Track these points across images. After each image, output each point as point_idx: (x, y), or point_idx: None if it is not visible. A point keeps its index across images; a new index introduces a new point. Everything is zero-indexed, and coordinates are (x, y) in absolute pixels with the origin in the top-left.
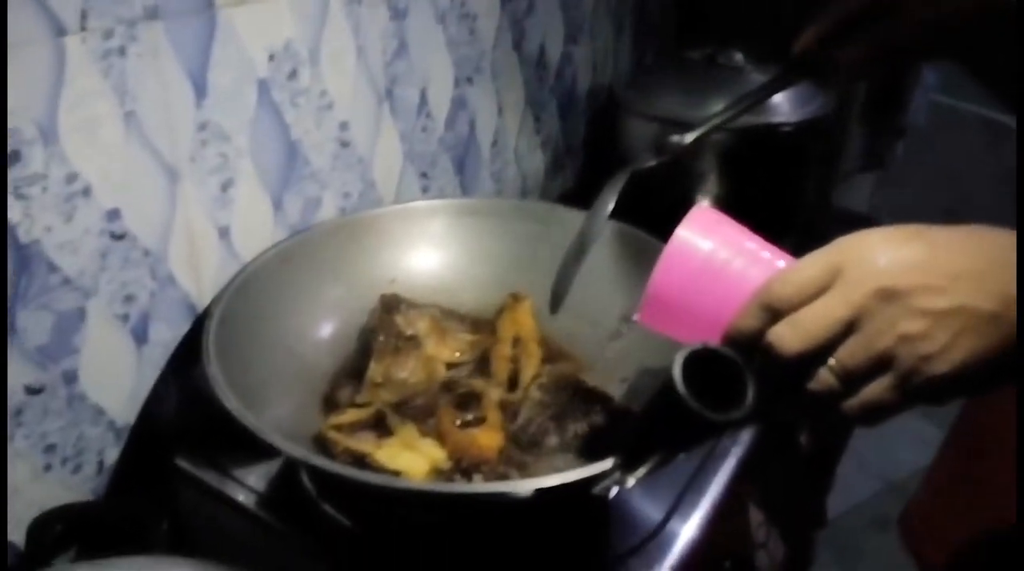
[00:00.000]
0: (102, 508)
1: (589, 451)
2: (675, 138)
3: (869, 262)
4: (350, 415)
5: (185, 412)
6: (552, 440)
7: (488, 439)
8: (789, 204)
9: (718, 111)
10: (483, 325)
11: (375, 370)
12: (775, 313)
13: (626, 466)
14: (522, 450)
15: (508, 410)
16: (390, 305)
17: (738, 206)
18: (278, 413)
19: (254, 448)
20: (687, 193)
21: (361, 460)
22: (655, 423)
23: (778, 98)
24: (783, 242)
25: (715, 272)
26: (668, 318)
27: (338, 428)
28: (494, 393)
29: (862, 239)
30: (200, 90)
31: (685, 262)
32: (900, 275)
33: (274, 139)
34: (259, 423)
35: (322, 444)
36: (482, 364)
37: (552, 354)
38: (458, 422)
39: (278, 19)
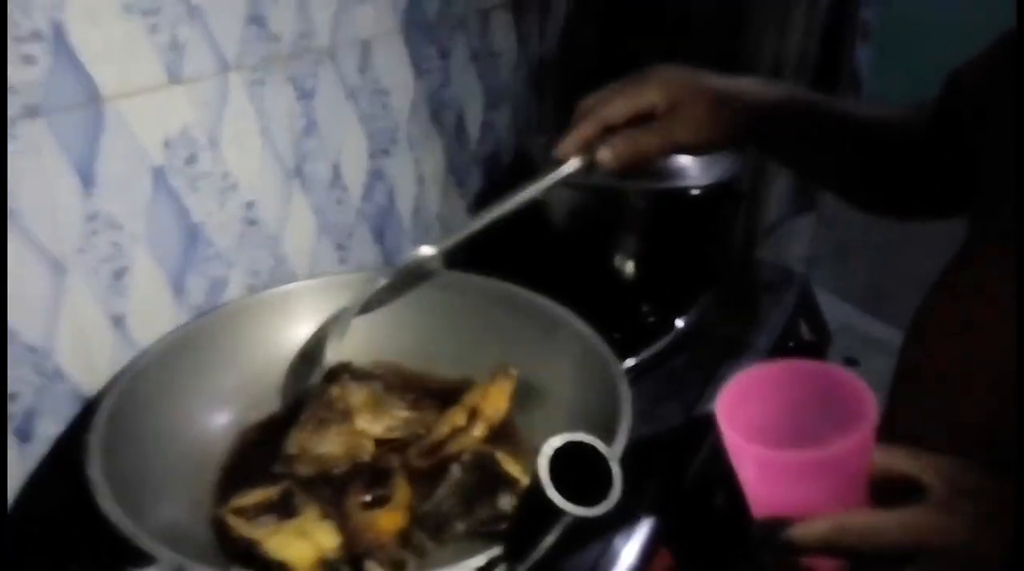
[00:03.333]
0: None
1: (492, 538)
2: (423, 252)
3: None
4: (255, 496)
5: (76, 512)
6: (459, 526)
7: (388, 521)
8: (706, 263)
9: (480, 219)
10: (434, 399)
11: (292, 441)
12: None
13: (513, 555)
14: (427, 534)
15: (421, 485)
16: (334, 374)
17: (655, 266)
18: (173, 510)
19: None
20: (607, 255)
21: (251, 549)
22: (527, 513)
23: (686, 162)
24: (703, 298)
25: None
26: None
27: (240, 511)
28: (413, 458)
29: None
30: (88, 182)
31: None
32: None
33: (172, 223)
34: (135, 527)
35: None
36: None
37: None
38: (368, 498)
39: (173, 107)
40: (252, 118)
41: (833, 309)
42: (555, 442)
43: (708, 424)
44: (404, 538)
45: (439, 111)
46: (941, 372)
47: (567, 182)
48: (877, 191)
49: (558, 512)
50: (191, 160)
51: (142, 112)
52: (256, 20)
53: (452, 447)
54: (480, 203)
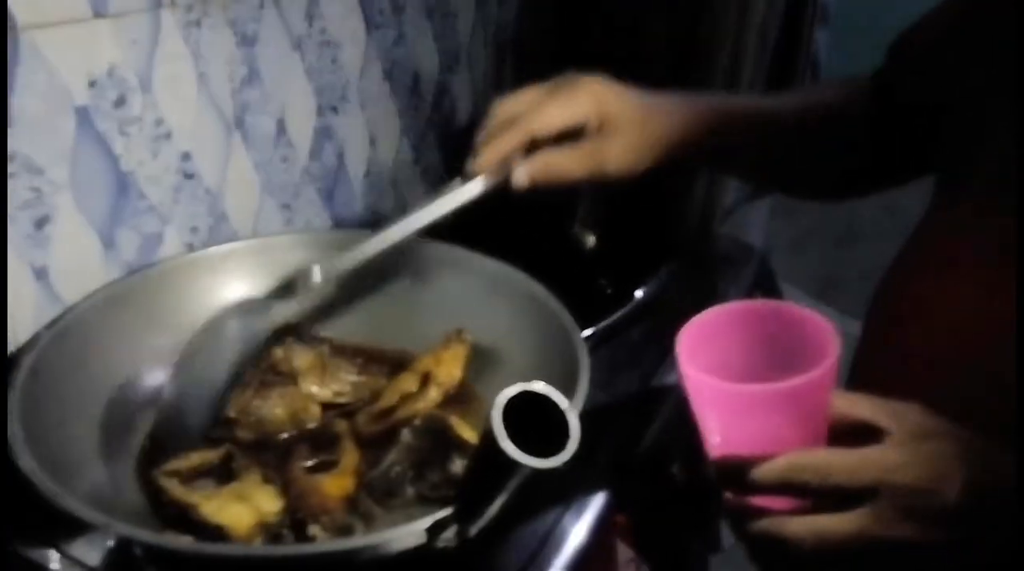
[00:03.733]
0: None
1: (443, 503)
2: (323, 266)
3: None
4: (192, 459)
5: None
6: (409, 490)
7: (334, 486)
8: (666, 234)
9: (381, 238)
10: (384, 364)
11: (232, 404)
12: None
13: (464, 516)
14: (375, 500)
15: (371, 451)
16: (277, 336)
17: (615, 236)
18: (100, 474)
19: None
20: (565, 224)
21: (186, 513)
22: (481, 470)
23: None
24: (662, 270)
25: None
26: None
27: (175, 474)
28: (362, 424)
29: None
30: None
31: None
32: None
33: (100, 171)
34: (58, 488)
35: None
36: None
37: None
38: (309, 463)
39: (97, 43)
40: (187, 61)
41: (787, 297)
42: (509, 392)
43: (666, 394)
44: (351, 503)
45: (392, 70)
46: (907, 347)
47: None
48: (821, 178)
49: (513, 465)
50: (120, 103)
51: (63, 46)
52: None
53: (402, 413)
54: (432, 168)
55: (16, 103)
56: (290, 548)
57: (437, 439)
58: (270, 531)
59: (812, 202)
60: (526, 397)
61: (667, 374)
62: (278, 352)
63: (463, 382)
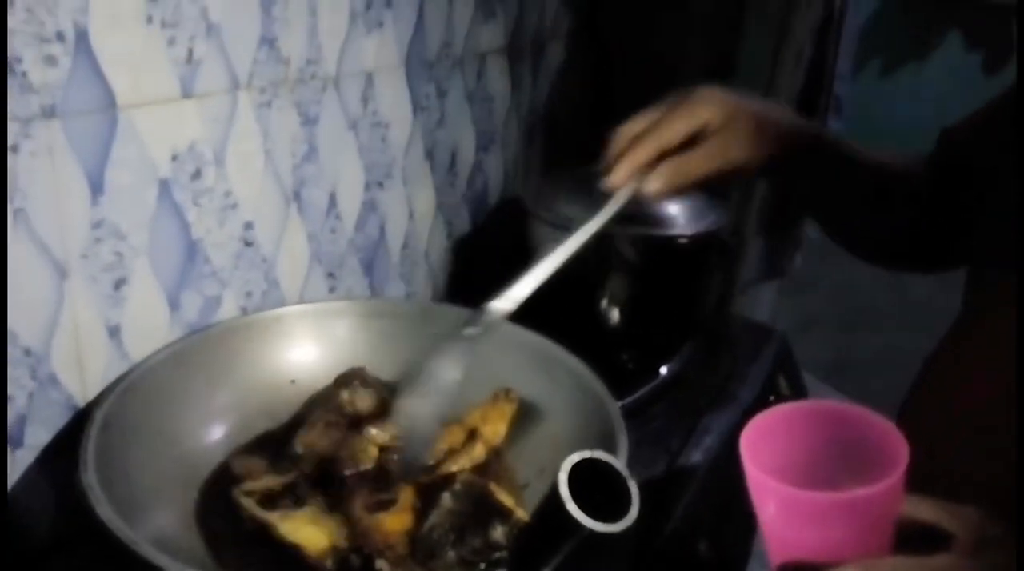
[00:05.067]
0: None
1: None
2: (494, 307)
3: None
4: (264, 481)
5: (62, 524)
6: (450, 554)
7: (395, 522)
8: (689, 312)
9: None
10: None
11: (298, 440)
12: None
13: None
14: (417, 561)
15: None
16: (344, 379)
17: (640, 313)
18: (163, 522)
19: (135, 564)
20: (592, 298)
21: (264, 530)
22: (542, 530)
23: (674, 210)
24: (685, 347)
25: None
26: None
27: (251, 494)
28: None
29: None
30: (97, 188)
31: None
32: None
33: (173, 238)
34: (134, 534)
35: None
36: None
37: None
38: (373, 501)
39: (183, 121)
40: (257, 139)
41: None
42: (573, 458)
43: (691, 472)
44: (411, 539)
45: (433, 149)
46: (939, 432)
47: (554, 222)
48: (878, 236)
49: (576, 528)
50: (196, 175)
51: (154, 123)
52: (268, 42)
53: (447, 467)
54: (464, 243)
55: (109, 175)
56: None
57: (477, 504)
58: (339, 555)
59: (859, 258)
60: (582, 465)
61: (692, 452)
62: (344, 394)
63: (505, 441)
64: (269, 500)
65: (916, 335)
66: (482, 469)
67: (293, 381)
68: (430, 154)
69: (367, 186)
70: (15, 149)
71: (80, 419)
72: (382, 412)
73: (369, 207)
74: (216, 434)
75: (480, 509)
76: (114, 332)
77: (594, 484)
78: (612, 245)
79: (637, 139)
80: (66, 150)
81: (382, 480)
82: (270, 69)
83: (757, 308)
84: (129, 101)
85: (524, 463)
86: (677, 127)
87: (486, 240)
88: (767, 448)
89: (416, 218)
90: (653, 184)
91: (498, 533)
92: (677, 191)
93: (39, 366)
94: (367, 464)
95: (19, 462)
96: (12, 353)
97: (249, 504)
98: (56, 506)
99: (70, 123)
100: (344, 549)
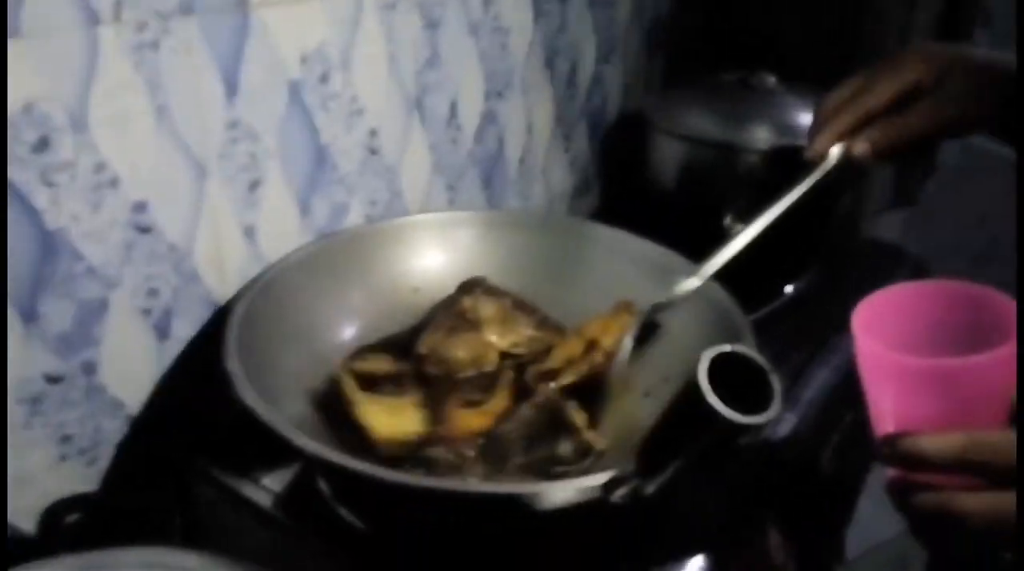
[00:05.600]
0: (115, 499)
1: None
2: (685, 282)
3: None
4: (377, 363)
5: (204, 411)
6: (516, 459)
7: (471, 419)
8: (818, 230)
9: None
10: (553, 326)
11: (424, 341)
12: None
13: (645, 472)
14: (483, 458)
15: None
16: (467, 286)
17: (765, 231)
18: (296, 414)
19: (271, 449)
20: (715, 212)
21: (345, 406)
22: (675, 426)
23: (807, 121)
24: (810, 269)
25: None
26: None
27: (355, 373)
28: (530, 379)
29: None
30: (231, 88)
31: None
32: None
33: (303, 142)
34: (278, 417)
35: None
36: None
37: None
38: (471, 398)
39: (311, 21)
40: (381, 42)
41: None
42: (712, 351)
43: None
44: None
45: (554, 58)
46: None
47: (680, 134)
48: None
49: (716, 420)
50: (324, 78)
51: (284, 23)
52: None
53: (566, 375)
54: (581, 158)
55: (243, 74)
56: (467, 486)
57: (551, 418)
58: (403, 447)
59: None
60: (721, 360)
61: (816, 371)
62: (467, 301)
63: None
64: (372, 384)
65: None
66: (600, 376)
67: (416, 289)
68: (550, 63)
69: (487, 96)
70: (156, 46)
71: (221, 314)
72: (503, 319)
73: (489, 118)
74: (346, 334)
75: (552, 423)
76: (250, 233)
77: (731, 381)
78: (740, 155)
79: (842, 106)
80: (203, 47)
81: (489, 384)
82: None
83: (884, 236)
84: None
85: (646, 372)
86: (883, 90)
87: (603, 155)
88: (880, 327)
89: (534, 132)
90: (860, 147)
91: (564, 448)
92: (889, 154)
93: (182, 262)
94: (487, 368)
95: (167, 353)
96: (157, 248)
97: (347, 380)
98: (199, 397)
99: (206, 20)
100: (406, 444)
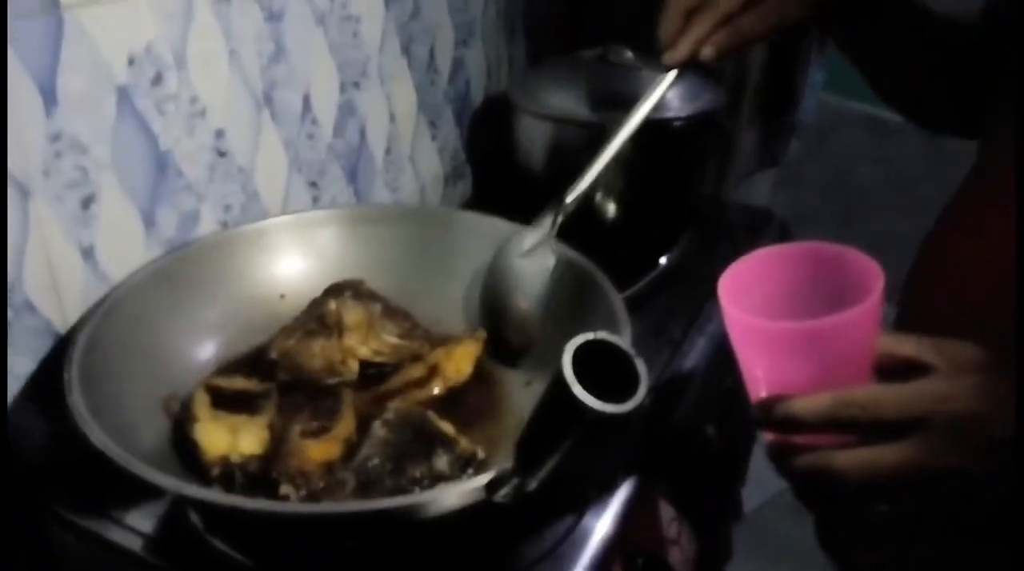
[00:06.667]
0: None
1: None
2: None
3: None
4: (237, 382)
5: (56, 451)
6: (387, 482)
7: (318, 451)
8: (686, 199)
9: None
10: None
11: (276, 345)
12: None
13: (525, 469)
14: (352, 491)
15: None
16: (335, 289)
17: (634, 201)
18: (157, 445)
19: (134, 487)
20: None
21: (185, 424)
22: (547, 420)
23: (668, 94)
24: (682, 238)
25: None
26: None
27: (214, 389)
28: (360, 402)
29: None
30: (49, 97)
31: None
32: None
33: (140, 150)
34: (127, 455)
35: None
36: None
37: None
38: (311, 426)
39: (136, 20)
40: (219, 38)
41: None
42: (576, 341)
43: (696, 360)
44: (330, 470)
45: (410, 44)
46: (937, 307)
47: (547, 117)
48: (935, 95)
49: (584, 412)
50: (157, 80)
51: (104, 23)
52: None
53: (402, 399)
54: (450, 145)
55: (61, 82)
56: (342, 506)
57: (416, 433)
58: (226, 468)
59: (913, 121)
60: (587, 348)
61: (696, 338)
62: (332, 304)
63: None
64: (231, 402)
65: (913, 221)
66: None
67: (282, 296)
68: (407, 50)
69: (343, 87)
70: None
71: (63, 345)
72: (368, 325)
73: (347, 110)
74: (205, 352)
75: (420, 438)
76: (88, 253)
77: (601, 369)
78: (603, 132)
79: (697, 8)
80: (12, 58)
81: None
82: None
83: (754, 199)
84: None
85: (525, 362)
86: None
87: (472, 141)
88: (747, 293)
89: (397, 120)
90: (707, 52)
91: (443, 462)
92: (730, 54)
93: (12, 293)
94: (346, 376)
95: (7, 391)
96: None
97: (200, 396)
98: (48, 432)
99: (13, 27)
100: (235, 463)
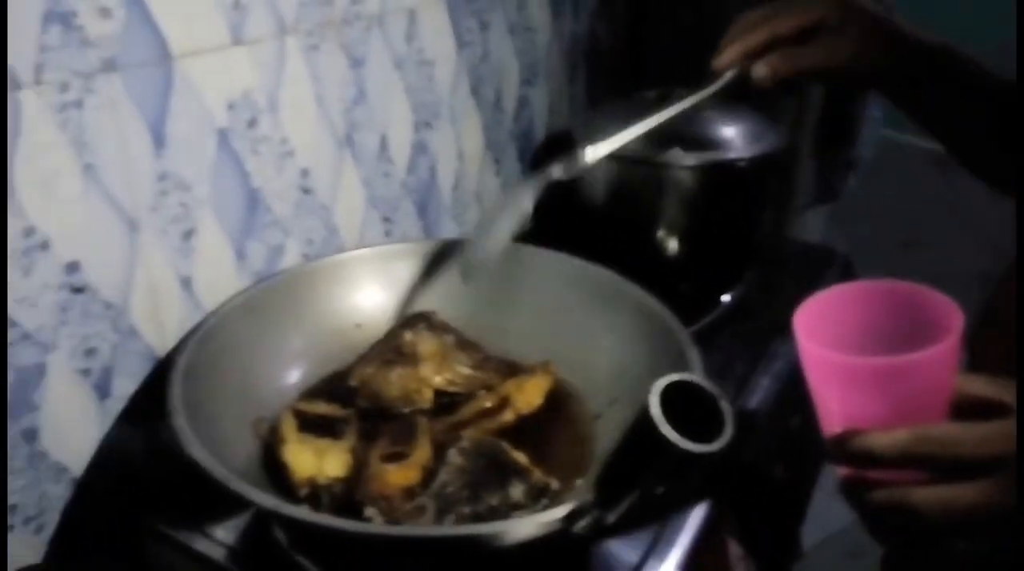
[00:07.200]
0: (65, 570)
1: None
2: (588, 150)
3: None
4: (322, 407)
5: (151, 468)
6: (465, 510)
7: (398, 475)
8: (747, 237)
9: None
10: (500, 368)
11: (356, 373)
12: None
13: (605, 502)
14: (435, 515)
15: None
16: (410, 320)
17: (697, 240)
18: (245, 464)
19: (223, 501)
20: (647, 229)
21: (275, 445)
22: (630, 456)
23: (731, 134)
24: (746, 274)
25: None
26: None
27: (299, 414)
28: (436, 430)
29: None
30: (159, 140)
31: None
32: None
33: (235, 188)
34: (228, 472)
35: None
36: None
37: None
38: (391, 451)
39: (236, 68)
40: (307, 84)
41: None
42: (663, 381)
43: (763, 399)
44: (409, 494)
45: (478, 85)
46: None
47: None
48: (996, 155)
49: (670, 450)
50: (252, 124)
51: (208, 72)
52: None
53: (473, 429)
54: (513, 180)
55: (170, 126)
56: (429, 530)
57: (491, 462)
58: (314, 489)
59: (988, 183)
60: (672, 388)
61: (760, 378)
62: (407, 335)
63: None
64: (316, 427)
65: (972, 255)
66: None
67: (359, 325)
68: (475, 91)
69: (416, 127)
70: (80, 104)
71: (161, 368)
72: (443, 356)
73: (419, 149)
74: (292, 377)
75: (495, 467)
76: (186, 283)
77: (680, 408)
78: (667, 172)
79: (752, 26)
80: (128, 103)
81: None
82: (316, 11)
83: (811, 232)
84: (183, 50)
85: (594, 396)
86: (791, 18)
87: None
88: (822, 329)
89: (465, 158)
90: (760, 69)
91: (518, 492)
92: (782, 82)
93: (119, 319)
94: (421, 404)
95: (108, 411)
96: (93, 308)
97: (288, 419)
98: (145, 454)
99: (129, 75)
100: (321, 486)
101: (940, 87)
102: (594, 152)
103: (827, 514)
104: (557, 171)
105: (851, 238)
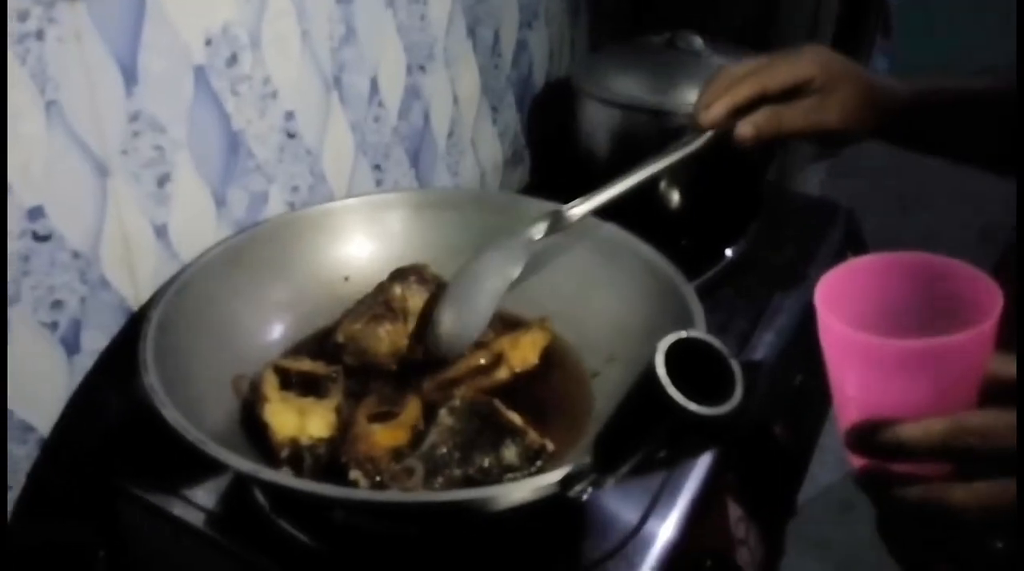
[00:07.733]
0: (30, 535)
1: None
2: (570, 210)
3: None
4: (304, 364)
5: (124, 426)
6: (456, 472)
7: (386, 436)
8: (751, 191)
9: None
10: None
11: (343, 329)
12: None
13: (603, 466)
14: (425, 477)
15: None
16: (400, 273)
17: (700, 192)
18: (224, 423)
19: (200, 463)
20: (652, 189)
21: (255, 404)
22: (633, 418)
23: None
24: (749, 228)
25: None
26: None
27: (281, 371)
28: (426, 389)
29: None
30: (130, 77)
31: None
32: None
33: (214, 130)
34: (201, 435)
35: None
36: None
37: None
38: (374, 411)
39: (213, 0)
40: (292, 18)
41: None
42: (669, 339)
43: (766, 356)
44: (397, 455)
45: (475, 26)
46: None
47: (611, 102)
48: (1002, 150)
49: (676, 412)
50: (232, 61)
51: (184, 3)
52: None
53: (467, 386)
54: (511, 129)
55: (142, 62)
56: (419, 496)
57: (484, 422)
58: (296, 450)
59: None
60: (677, 346)
61: (764, 334)
62: (396, 289)
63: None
64: (299, 385)
65: (967, 213)
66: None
67: (347, 278)
68: (472, 32)
69: (409, 70)
70: (40, 35)
71: (135, 322)
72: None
73: (412, 93)
74: (273, 333)
75: (488, 428)
76: (161, 231)
77: (685, 367)
78: (670, 120)
79: (738, 81)
80: (94, 34)
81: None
82: None
83: (809, 187)
84: None
85: (592, 352)
86: (780, 75)
87: (533, 125)
88: (845, 303)
89: (461, 104)
90: (745, 129)
91: (511, 453)
92: (768, 140)
93: (89, 269)
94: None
95: (78, 367)
96: (60, 257)
97: (269, 377)
98: (118, 411)
99: (95, 3)
100: (304, 447)
101: (936, 123)
102: (578, 210)
103: (816, 473)
104: (538, 232)
105: (847, 193)
